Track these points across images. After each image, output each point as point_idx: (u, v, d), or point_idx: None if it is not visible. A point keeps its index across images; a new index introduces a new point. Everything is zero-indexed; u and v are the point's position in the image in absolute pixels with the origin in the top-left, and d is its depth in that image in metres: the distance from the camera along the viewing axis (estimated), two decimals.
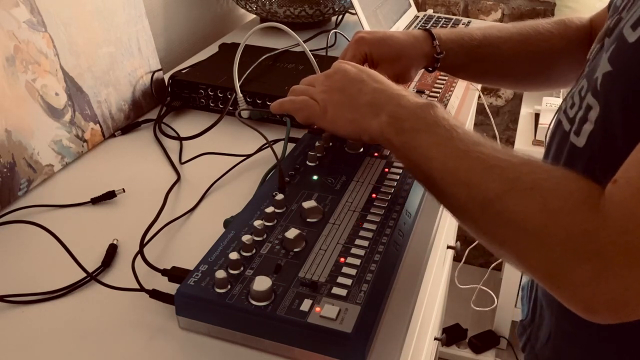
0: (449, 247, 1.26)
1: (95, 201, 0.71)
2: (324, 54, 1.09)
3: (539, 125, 1.66)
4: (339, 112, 0.65)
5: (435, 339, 1.28)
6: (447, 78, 1.02)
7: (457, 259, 1.95)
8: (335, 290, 0.52)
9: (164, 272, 0.58)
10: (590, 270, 0.43)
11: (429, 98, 0.96)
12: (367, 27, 1.11)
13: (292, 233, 0.56)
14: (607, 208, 0.43)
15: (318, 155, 0.70)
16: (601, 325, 0.47)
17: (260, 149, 0.82)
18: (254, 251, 0.56)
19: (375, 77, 0.64)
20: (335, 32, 1.22)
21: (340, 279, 0.53)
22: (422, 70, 0.82)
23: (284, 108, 0.70)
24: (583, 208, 0.44)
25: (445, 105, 0.96)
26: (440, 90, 0.98)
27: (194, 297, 0.52)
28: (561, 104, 0.63)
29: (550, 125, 0.66)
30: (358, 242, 0.58)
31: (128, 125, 0.89)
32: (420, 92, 0.97)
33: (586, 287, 0.43)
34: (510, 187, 0.48)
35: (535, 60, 0.81)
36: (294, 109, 0.69)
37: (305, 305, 0.50)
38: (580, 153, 0.56)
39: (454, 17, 1.39)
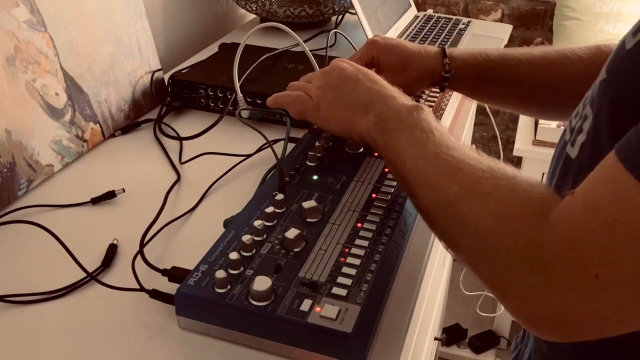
0: None
1: (95, 201, 0.71)
2: (324, 54, 1.09)
3: (539, 125, 1.66)
4: (332, 110, 0.65)
5: (435, 339, 1.28)
6: None
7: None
8: (335, 290, 0.52)
9: (164, 272, 0.58)
10: (533, 281, 0.42)
11: (428, 98, 0.95)
12: (367, 27, 1.11)
13: (292, 233, 0.56)
14: (557, 219, 0.42)
15: (318, 155, 0.70)
16: (575, 349, 0.46)
17: (260, 149, 0.82)
18: (254, 251, 0.56)
19: (370, 77, 0.64)
20: (335, 32, 1.22)
21: (340, 279, 0.53)
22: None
23: (278, 102, 0.71)
24: (533, 217, 0.43)
25: (445, 105, 0.95)
26: (439, 92, 0.98)
27: (194, 297, 0.52)
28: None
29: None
30: (358, 242, 0.58)
31: (128, 125, 0.89)
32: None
33: (529, 299, 0.42)
34: (469, 190, 0.48)
35: (559, 87, 0.76)
36: (287, 103, 0.69)
37: (305, 305, 0.50)
38: (572, 165, 0.54)
39: (454, 17, 1.39)
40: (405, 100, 0.60)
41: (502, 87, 0.79)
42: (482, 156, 0.51)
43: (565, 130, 0.59)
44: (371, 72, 0.66)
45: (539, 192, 0.45)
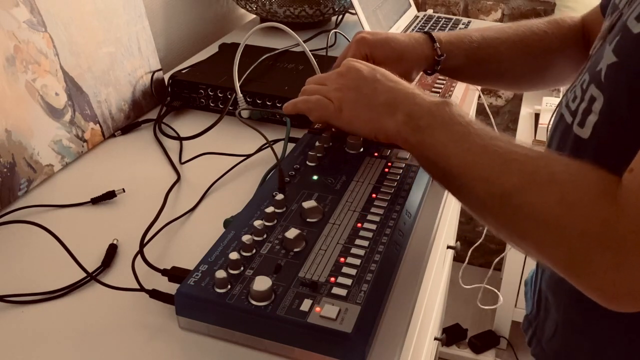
0: (449, 247, 1.26)
1: (95, 201, 0.71)
2: (324, 54, 1.09)
3: (539, 125, 1.66)
4: (355, 112, 0.65)
5: (435, 339, 1.28)
6: (447, 78, 1.02)
7: (460, 259, 1.94)
8: (335, 290, 0.52)
9: (164, 272, 0.58)
10: (610, 259, 0.43)
11: None
12: (367, 27, 1.11)
13: (292, 233, 0.56)
14: (625, 197, 0.44)
15: (318, 155, 0.70)
16: (611, 317, 0.47)
17: (260, 149, 0.82)
18: (254, 251, 0.56)
19: (389, 76, 0.65)
20: (335, 32, 1.22)
21: (340, 279, 0.53)
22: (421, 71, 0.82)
23: (297, 108, 0.70)
24: (601, 198, 0.45)
25: None
26: (440, 91, 0.98)
27: (194, 297, 0.52)
28: (561, 99, 0.63)
29: (550, 120, 0.66)
30: (358, 242, 0.58)
31: (128, 125, 0.89)
32: None
33: (607, 276, 0.44)
34: (529, 180, 0.49)
35: (531, 61, 0.82)
36: (307, 108, 0.69)
37: (305, 305, 0.50)
38: (585, 144, 0.56)
39: (454, 17, 1.39)
40: (430, 96, 0.60)
41: (486, 66, 0.82)
42: (525, 144, 0.52)
43: (561, 116, 0.61)
44: (387, 71, 0.66)
45: (598, 174, 0.47)
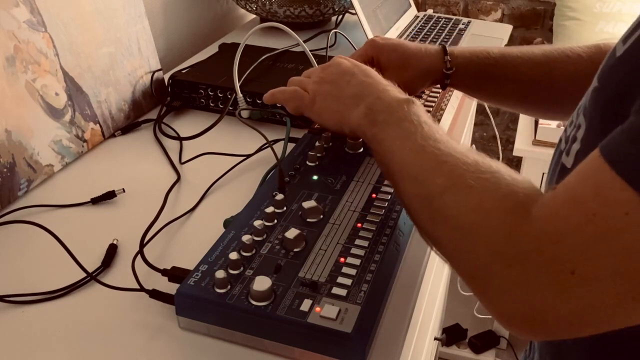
0: None
1: (95, 201, 0.71)
2: (324, 54, 1.09)
3: (539, 126, 1.66)
4: (326, 103, 0.65)
5: (435, 339, 1.28)
6: None
7: None
8: (335, 290, 0.52)
9: (164, 272, 0.58)
10: (511, 276, 0.41)
11: (428, 98, 0.95)
12: (367, 27, 1.11)
13: (292, 233, 0.56)
14: (538, 213, 0.41)
15: (318, 155, 0.70)
16: (580, 358, 0.45)
17: (260, 149, 0.82)
18: (254, 251, 0.56)
19: (366, 72, 0.65)
20: (335, 32, 1.22)
21: (340, 279, 0.53)
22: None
23: (275, 98, 0.72)
24: (514, 211, 0.42)
25: (445, 105, 0.95)
26: (440, 91, 0.98)
27: (194, 297, 0.52)
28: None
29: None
30: (358, 242, 0.58)
31: (128, 125, 0.89)
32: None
33: (506, 295, 0.41)
34: (453, 183, 0.47)
35: (560, 86, 0.75)
36: (284, 99, 0.70)
37: (305, 305, 0.50)
38: (568, 174, 0.54)
39: (454, 17, 1.39)
40: (398, 93, 0.60)
41: (503, 85, 0.78)
42: (470, 150, 0.50)
43: (560, 140, 0.59)
44: (368, 68, 0.66)
45: (522, 187, 0.45)
